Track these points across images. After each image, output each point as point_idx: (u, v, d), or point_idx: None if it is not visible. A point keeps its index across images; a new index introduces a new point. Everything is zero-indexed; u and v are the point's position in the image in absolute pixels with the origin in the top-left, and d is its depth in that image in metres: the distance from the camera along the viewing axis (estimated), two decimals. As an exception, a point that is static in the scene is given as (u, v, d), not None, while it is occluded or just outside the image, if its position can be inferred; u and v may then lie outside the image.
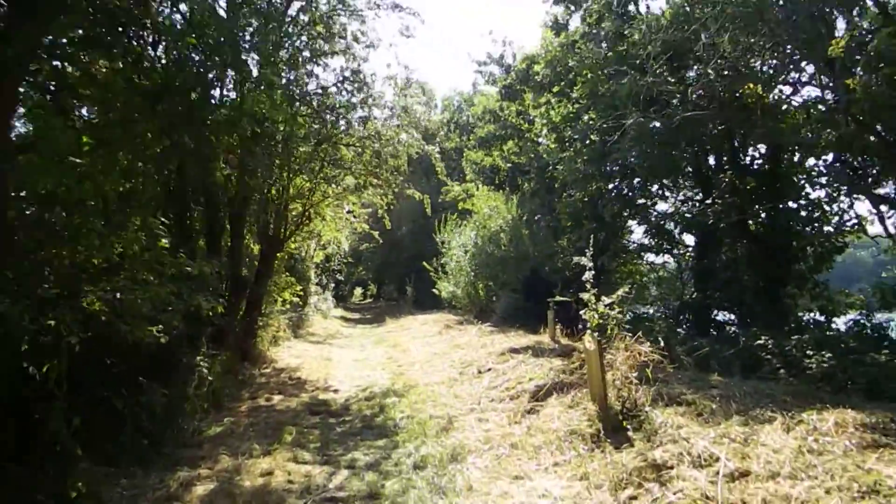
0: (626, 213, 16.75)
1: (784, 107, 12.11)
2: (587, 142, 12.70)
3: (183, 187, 9.48)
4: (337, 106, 11.52)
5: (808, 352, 10.06)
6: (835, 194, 12.74)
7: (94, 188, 6.03)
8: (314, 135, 11.62)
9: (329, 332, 20.43)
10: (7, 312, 4.98)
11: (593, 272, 7.07)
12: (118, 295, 5.99)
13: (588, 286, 6.93)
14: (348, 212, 16.26)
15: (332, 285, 30.59)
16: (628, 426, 5.91)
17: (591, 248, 7.58)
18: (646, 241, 19.41)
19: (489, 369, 10.35)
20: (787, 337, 10.73)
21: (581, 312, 15.60)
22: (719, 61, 10.34)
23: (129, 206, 6.44)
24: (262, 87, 7.97)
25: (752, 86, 9.73)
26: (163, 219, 8.02)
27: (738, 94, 11.20)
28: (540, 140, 16.37)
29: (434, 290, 22.74)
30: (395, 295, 37.93)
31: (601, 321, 6.73)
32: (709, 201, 14.28)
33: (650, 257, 20.69)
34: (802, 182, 13.26)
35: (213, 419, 7.79)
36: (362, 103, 12.06)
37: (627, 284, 19.87)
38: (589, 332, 6.73)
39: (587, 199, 14.20)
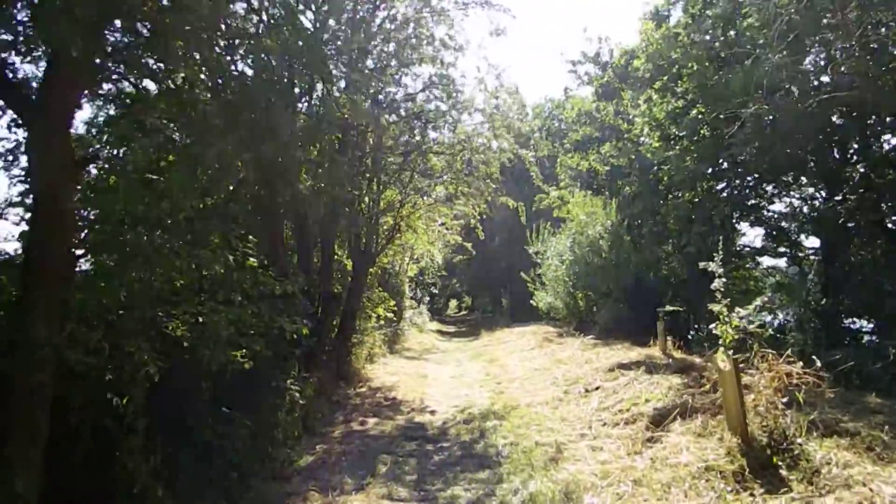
0: (737, 215, 15.24)
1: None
2: (696, 138, 11.46)
3: (272, 204, 9.15)
4: (425, 112, 10.94)
5: (974, 367, 8.57)
6: None
7: (173, 206, 5.64)
8: (403, 144, 11.11)
9: (425, 346, 19.91)
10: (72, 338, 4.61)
11: (723, 279, 6.02)
12: (200, 319, 5.57)
13: (718, 295, 5.90)
14: (440, 224, 15.70)
15: (427, 298, 30.21)
16: (780, 463, 4.83)
17: (721, 252, 6.49)
18: (758, 245, 17.79)
19: (597, 387, 9.35)
20: (946, 349, 9.17)
21: (696, 324, 14.03)
22: (854, 42, 8.99)
23: (209, 223, 6.01)
24: (345, 92, 7.48)
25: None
26: (251, 236, 7.66)
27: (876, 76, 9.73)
28: (641, 139, 15.20)
29: (531, 301, 21.77)
30: (489, 307, 37.14)
31: (736, 336, 5.67)
32: (839, 198, 12.64)
33: (765, 261, 18.95)
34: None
35: (305, 446, 7.28)
36: (451, 108, 11.43)
37: (764, 293, 18.22)
38: (722, 349, 5.68)
39: (696, 199, 12.88)
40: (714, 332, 6.11)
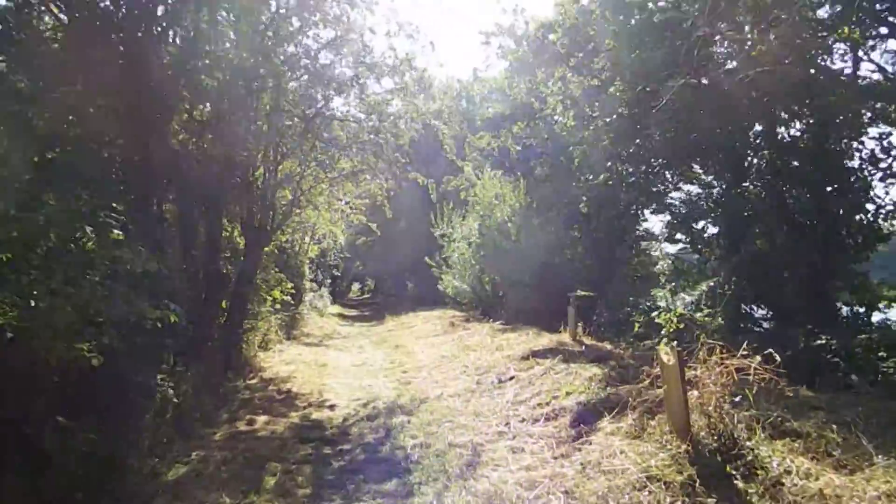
0: (643, 199, 15.06)
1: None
2: (611, 118, 10.95)
3: (146, 165, 7.78)
4: (328, 72, 9.76)
5: (880, 353, 8.56)
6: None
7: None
8: (305, 106, 9.90)
9: (325, 331, 18.72)
10: None
11: (668, 262, 5.42)
12: (33, 303, 4.32)
13: (662, 280, 5.29)
14: (345, 203, 14.57)
15: (329, 281, 28.83)
16: (733, 472, 4.22)
17: (665, 232, 5.90)
18: (657, 231, 17.93)
19: (512, 377, 8.68)
20: (851, 336, 9.19)
21: (600, 309, 13.52)
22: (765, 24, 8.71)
23: (48, 181, 4.71)
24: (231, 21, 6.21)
25: (846, 30, 7.95)
26: (115, 204, 6.34)
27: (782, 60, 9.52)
28: (556, 118, 14.64)
29: (438, 285, 21.04)
30: (393, 290, 36.19)
31: (679, 326, 5.06)
32: (746, 184, 12.59)
33: (666, 247, 19.15)
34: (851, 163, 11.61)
35: (178, 454, 6.07)
36: (359, 71, 10.30)
37: (661, 279, 18.28)
38: (665, 340, 5.06)
39: (609, 183, 12.43)
40: (633, 319, 5.53)
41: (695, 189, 15.87)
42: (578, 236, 17.64)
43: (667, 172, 14.54)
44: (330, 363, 12.13)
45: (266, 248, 11.75)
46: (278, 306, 13.24)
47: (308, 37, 10.01)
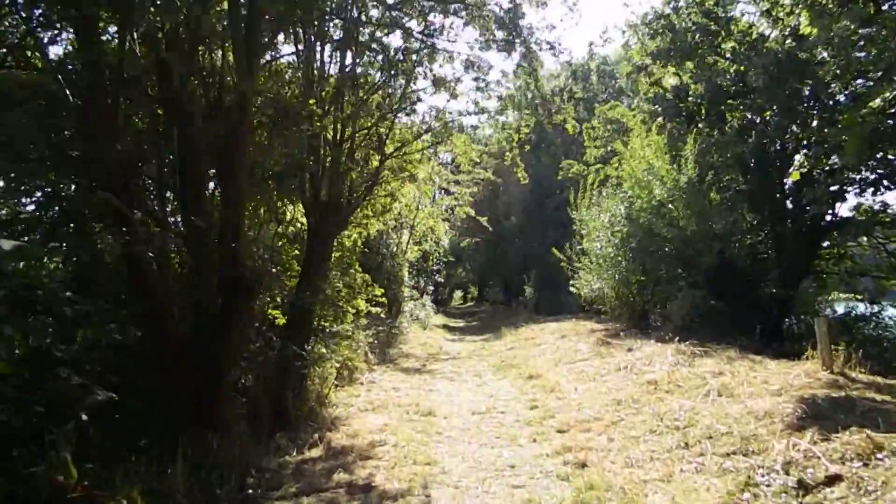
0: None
1: None
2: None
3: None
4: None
5: None
6: None
7: None
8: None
9: (429, 349, 14.44)
10: None
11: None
12: None
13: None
14: (454, 184, 10.21)
15: (431, 288, 24.68)
16: None
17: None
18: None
19: (833, 477, 3.91)
20: None
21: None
22: None
23: None
24: None
25: None
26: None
27: None
28: (764, 32, 9.51)
29: (563, 289, 16.41)
30: (500, 297, 31.72)
31: None
32: None
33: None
34: None
35: None
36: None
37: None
38: None
39: (888, 111, 7.21)
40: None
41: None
42: (751, 221, 12.36)
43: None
44: (439, 409, 7.66)
45: (343, 237, 7.65)
46: (363, 321, 9.03)
47: None
